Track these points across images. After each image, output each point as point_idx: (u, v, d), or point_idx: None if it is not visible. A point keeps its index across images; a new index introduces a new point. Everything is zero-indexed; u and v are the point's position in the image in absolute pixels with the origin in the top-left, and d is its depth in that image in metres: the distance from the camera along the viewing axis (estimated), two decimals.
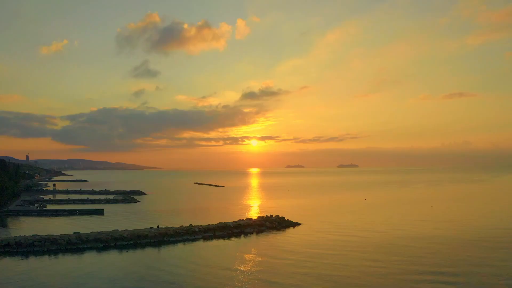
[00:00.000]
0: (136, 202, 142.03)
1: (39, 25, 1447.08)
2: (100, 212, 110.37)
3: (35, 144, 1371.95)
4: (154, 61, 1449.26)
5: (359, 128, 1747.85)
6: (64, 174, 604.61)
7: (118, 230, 71.25)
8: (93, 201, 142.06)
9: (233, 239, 71.86)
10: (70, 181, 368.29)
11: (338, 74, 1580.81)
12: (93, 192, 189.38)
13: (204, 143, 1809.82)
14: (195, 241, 69.59)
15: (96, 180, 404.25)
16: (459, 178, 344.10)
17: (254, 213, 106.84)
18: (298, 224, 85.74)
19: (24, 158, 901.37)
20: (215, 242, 69.54)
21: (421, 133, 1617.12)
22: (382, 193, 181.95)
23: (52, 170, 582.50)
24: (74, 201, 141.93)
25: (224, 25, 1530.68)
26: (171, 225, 78.19)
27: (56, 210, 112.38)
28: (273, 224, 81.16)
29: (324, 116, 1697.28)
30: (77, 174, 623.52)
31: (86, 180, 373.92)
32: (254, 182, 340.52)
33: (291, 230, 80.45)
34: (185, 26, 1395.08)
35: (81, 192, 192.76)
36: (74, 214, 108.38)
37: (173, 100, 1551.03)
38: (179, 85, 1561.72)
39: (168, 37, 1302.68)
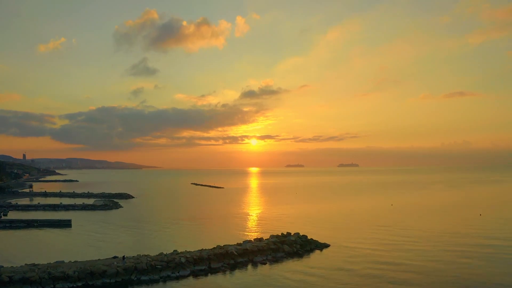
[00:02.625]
0: (117, 209, 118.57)
1: (36, 23, 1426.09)
2: (66, 224, 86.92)
3: (35, 143, 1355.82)
4: (153, 59, 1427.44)
5: (359, 128, 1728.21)
6: (58, 174, 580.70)
7: (63, 261, 47.75)
8: (66, 208, 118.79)
9: (237, 273, 48.47)
10: (59, 181, 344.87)
11: (338, 73, 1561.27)
12: (73, 195, 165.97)
13: (203, 142, 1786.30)
14: (181, 279, 46.13)
15: (88, 180, 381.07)
16: (475, 179, 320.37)
17: (264, 228, 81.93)
18: (325, 245, 62.23)
19: (22, 157, 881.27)
20: (210, 278, 46.25)
21: (421, 132, 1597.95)
22: (405, 196, 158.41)
23: (41, 169, 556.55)
24: (44, 208, 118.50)
25: (223, 22, 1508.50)
26: (148, 249, 54.94)
27: (11, 221, 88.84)
28: (293, 247, 57.79)
29: (324, 115, 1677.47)
30: (72, 174, 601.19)
31: (76, 180, 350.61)
32: (256, 183, 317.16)
33: (317, 255, 57.04)
34: (184, 23, 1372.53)
35: (60, 194, 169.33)
36: (32, 227, 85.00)
37: (172, 99, 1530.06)
38: (178, 83, 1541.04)
39: (166, 34, 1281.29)
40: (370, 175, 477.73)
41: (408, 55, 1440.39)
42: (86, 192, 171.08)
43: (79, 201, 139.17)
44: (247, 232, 76.37)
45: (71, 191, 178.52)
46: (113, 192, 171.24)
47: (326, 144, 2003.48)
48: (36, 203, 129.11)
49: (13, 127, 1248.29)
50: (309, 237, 63.43)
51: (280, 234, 62.97)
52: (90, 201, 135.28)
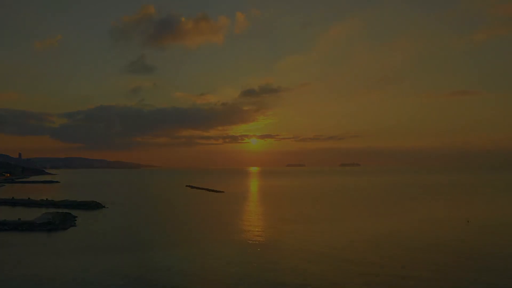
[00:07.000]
0: (66, 229, 79.53)
1: (31, 20, 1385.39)
2: None
3: (33, 142, 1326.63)
4: (150, 56, 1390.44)
5: (359, 126, 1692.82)
6: (48, 173, 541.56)
7: None
8: None
9: None
10: (38, 182, 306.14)
11: (340, 71, 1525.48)
12: (28, 203, 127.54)
13: (203, 141, 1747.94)
14: None
15: (73, 180, 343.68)
16: (509, 181, 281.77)
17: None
18: None
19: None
20: None
21: (423, 132, 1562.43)
22: (471, 207, 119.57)
23: (21, 168, 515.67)
24: None
25: (222, 18, 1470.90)
26: None
27: None
28: None
29: (325, 114, 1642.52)
30: (66, 173, 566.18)
31: (57, 182, 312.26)
32: (260, 185, 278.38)
33: None
34: (182, 19, 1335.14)
35: (12, 202, 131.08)
36: None
37: (171, 97, 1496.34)
38: (177, 81, 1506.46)
39: (164, 30, 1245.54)
40: (381, 176, 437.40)
41: (411, 52, 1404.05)
42: (45, 199, 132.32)
43: (34, 212, 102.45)
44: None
45: (27, 197, 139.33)
46: (80, 199, 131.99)
47: (326, 144, 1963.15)
48: None
49: (11, 126, 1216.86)
50: None
51: None
52: (36, 214, 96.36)
